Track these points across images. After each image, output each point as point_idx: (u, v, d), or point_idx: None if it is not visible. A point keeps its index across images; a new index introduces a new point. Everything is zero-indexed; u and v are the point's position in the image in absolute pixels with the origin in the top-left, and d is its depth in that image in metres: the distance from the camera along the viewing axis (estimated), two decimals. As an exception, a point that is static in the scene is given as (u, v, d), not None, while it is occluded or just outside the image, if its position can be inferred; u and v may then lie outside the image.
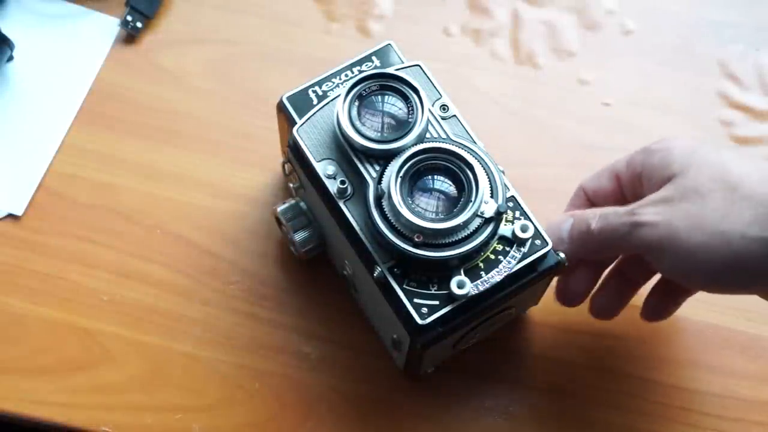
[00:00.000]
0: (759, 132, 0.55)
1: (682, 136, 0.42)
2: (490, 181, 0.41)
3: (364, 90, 0.42)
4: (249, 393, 0.47)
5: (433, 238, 0.39)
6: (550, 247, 0.41)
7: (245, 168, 0.52)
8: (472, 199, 0.40)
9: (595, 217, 0.42)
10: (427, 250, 0.39)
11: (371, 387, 0.48)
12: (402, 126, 0.41)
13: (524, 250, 0.41)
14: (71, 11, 0.56)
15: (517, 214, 0.41)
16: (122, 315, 0.49)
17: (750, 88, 0.56)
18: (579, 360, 0.48)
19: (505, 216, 0.41)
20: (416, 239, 0.39)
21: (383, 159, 0.41)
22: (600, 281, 0.46)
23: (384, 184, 0.40)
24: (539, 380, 0.48)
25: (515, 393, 0.48)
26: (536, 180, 0.51)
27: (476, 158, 0.41)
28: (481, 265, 0.40)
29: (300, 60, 0.56)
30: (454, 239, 0.39)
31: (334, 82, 0.44)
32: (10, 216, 0.51)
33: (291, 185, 0.48)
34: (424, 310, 0.40)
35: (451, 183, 0.40)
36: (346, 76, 0.45)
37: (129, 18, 0.55)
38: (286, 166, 0.47)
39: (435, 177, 0.40)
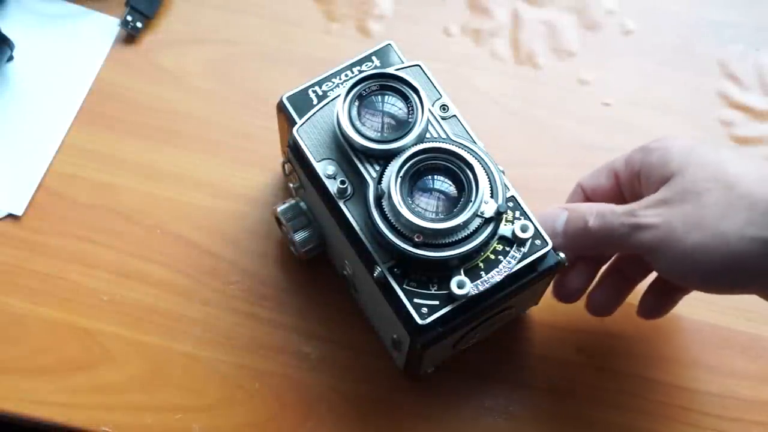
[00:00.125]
0: (759, 132, 0.55)
1: (680, 135, 0.42)
2: (490, 181, 0.41)
3: (364, 90, 0.42)
4: (249, 393, 0.47)
5: (433, 238, 0.39)
6: (550, 247, 0.41)
7: (245, 168, 0.52)
8: (472, 199, 0.39)
9: (593, 214, 0.42)
10: (427, 250, 0.39)
11: (371, 387, 0.48)
12: (402, 126, 0.41)
13: (524, 250, 0.41)
14: (71, 11, 0.56)
15: (517, 214, 0.41)
16: (122, 315, 0.49)
17: (750, 88, 0.56)
18: (579, 360, 0.48)
19: (505, 216, 0.41)
20: (416, 239, 0.39)
21: (383, 159, 0.41)
22: (597, 278, 0.46)
23: (384, 184, 0.40)
24: (539, 380, 0.48)
25: (515, 393, 0.48)
26: (536, 180, 0.51)
27: (476, 158, 0.41)
28: (481, 265, 0.40)
29: (300, 60, 0.56)
30: (454, 239, 0.39)
31: (334, 82, 0.44)
32: (10, 216, 0.51)
33: (291, 185, 0.48)
34: (424, 310, 0.40)
35: (451, 183, 0.40)
36: (346, 76, 0.45)
37: (129, 18, 0.55)
38: (286, 166, 0.47)
39: (435, 177, 0.40)
